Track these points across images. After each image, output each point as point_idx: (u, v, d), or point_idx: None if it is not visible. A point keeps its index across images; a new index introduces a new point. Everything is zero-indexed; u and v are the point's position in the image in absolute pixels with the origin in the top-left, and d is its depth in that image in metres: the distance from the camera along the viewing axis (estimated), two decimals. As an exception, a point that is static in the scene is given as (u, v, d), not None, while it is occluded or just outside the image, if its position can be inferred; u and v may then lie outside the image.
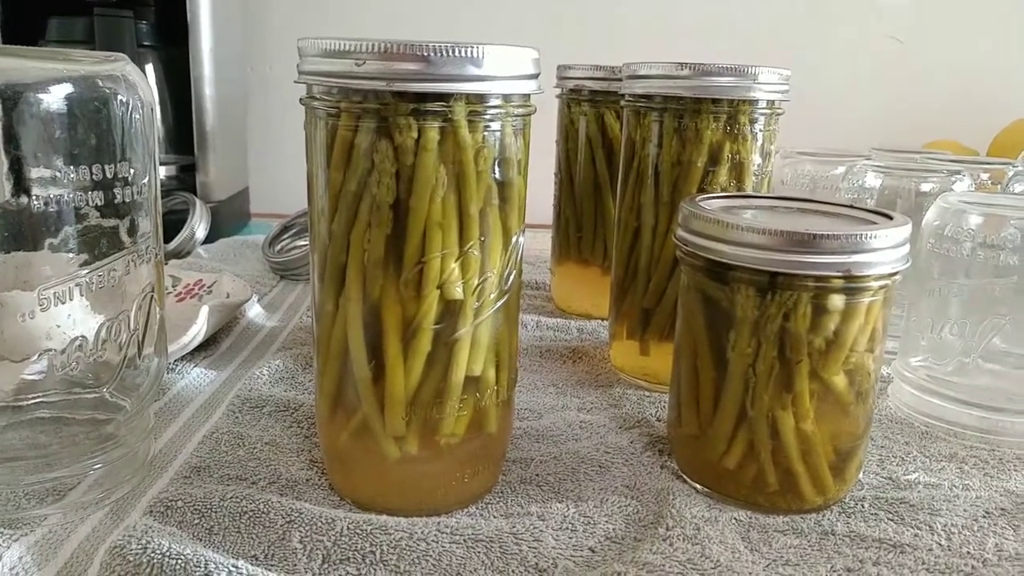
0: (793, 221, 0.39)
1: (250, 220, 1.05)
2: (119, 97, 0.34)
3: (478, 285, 0.33)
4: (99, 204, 0.33)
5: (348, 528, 0.33)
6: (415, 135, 0.31)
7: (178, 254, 0.76)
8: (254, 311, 0.62)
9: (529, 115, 0.34)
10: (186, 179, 0.89)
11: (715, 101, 0.46)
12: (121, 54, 0.35)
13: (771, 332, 0.35)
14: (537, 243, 0.83)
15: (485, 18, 1.12)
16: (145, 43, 0.86)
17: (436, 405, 0.34)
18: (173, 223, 0.79)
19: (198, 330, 0.49)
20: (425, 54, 0.30)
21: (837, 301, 0.34)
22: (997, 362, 0.47)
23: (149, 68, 0.87)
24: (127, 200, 0.34)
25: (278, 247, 0.77)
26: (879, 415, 0.49)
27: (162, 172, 0.87)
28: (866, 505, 0.38)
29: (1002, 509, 0.38)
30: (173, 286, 0.63)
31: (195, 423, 0.44)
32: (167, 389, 0.48)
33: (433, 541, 0.33)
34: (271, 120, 1.11)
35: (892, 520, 0.37)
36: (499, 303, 0.35)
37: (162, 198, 0.80)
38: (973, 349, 0.46)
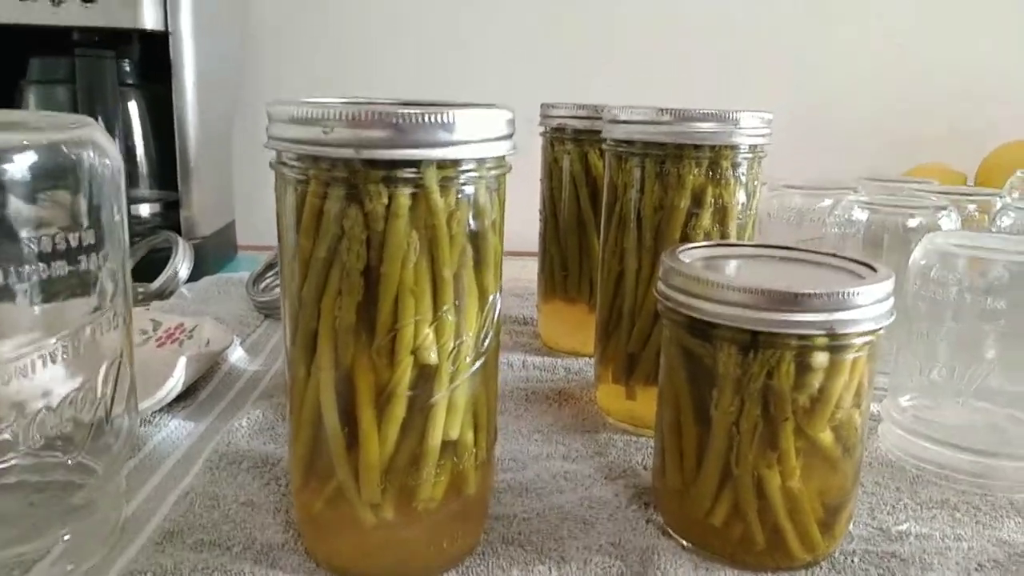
0: (775, 274, 0.38)
1: (237, 253, 1.04)
2: (86, 164, 0.33)
3: (453, 349, 0.33)
4: (64, 274, 0.32)
5: (323, 602, 0.32)
6: (385, 201, 0.30)
7: (161, 294, 0.75)
8: (236, 355, 0.61)
9: (504, 174, 0.34)
10: (170, 215, 0.88)
11: (697, 147, 0.46)
12: (88, 118, 0.35)
13: (754, 390, 0.34)
14: (527, 272, 0.79)
15: (485, 18, 1.12)
16: (128, 82, 0.86)
17: (412, 471, 0.33)
18: (157, 262, 0.78)
19: (174, 383, 0.48)
20: (395, 121, 0.29)
21: (821, 358, 0.34)
22: (988, 400, 0.46)
23: (132, 105, 0.87)
24: (93, 268, 0.33)
25: (262, 285, 0.77)
26: (869, 458, 0.48)
27: (145, 210, 0.87)
28: (856, 560, 0.37)
29: (995, 561, 0.37)
30: (153, 330, 0.62)
31: (170, 481, 0.43)
32: (143, 444, 0.47)
33: (410, 614, 0.32)
34: (259, 149, 1.11)
35: (882, 577, 0.36)
36: (476, 365, 0.34)
37: (145, 236, 0.80)
38: (962, 392, 0.46)
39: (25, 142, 0.31)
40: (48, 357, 0.32)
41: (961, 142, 1.12)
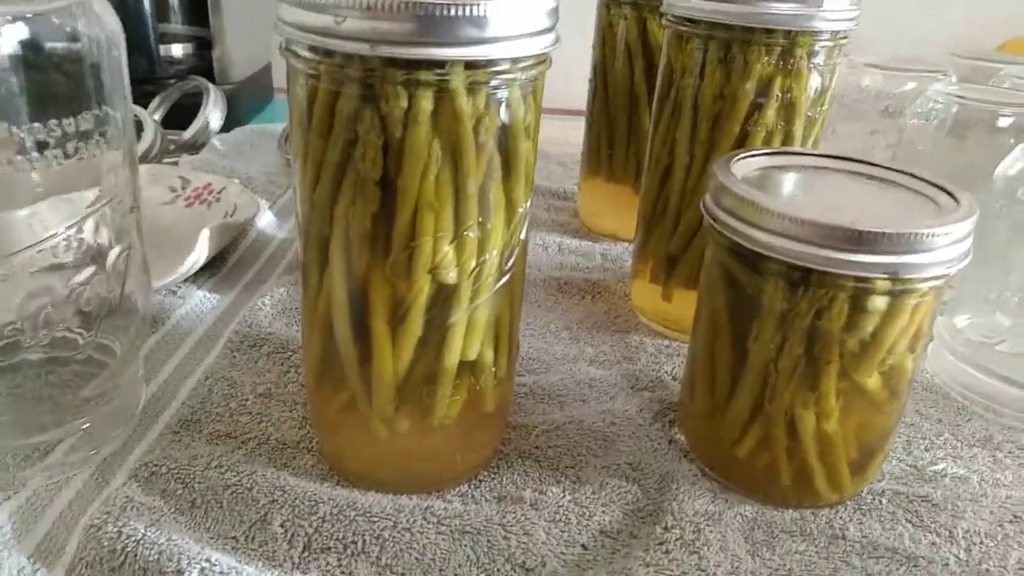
0: (839, 199, 0.34)
1: (274, 97, 1.01)
2: (82, 38, 0.30)
3: (475, 268, 0.30)
4: (61, 165, 0.30)
5: (331, 514, 0.32)
6: (404, 105, 0.27)
7: (192, 145, 0.73)
8: (264, 220, 0.60)
9: (542, 73, 0.29)
10: (204, 55, 0.84)
11: (769, 31, 0.40)
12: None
13: (799, 328, 0.31)
14: (574, 135, 0.69)
15: None
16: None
17: (427, 390, 0.32)
18: (190, 108, 0.76)
19: (196, 258, 0.47)
20: (418, 12, 0.25)
21: (879, 303, 0.30)
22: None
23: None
24: (97, 155, 0.31)
25: (295, 141, 0.74)
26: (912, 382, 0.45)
27: (176, 50, 0.82)
28: (884, 502, 0.36)
29: (1032, 513, 0.36)
30: (182, 188, 0.60)
31: (190, 363, 0.43)
32: (167, 318, 0.46)
33: (418, 532, 0.32)
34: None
35: (910, 523, 0.34)
36: (500, 283, 0.31)
37: (175, 82, 0.77)
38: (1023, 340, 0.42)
39: (9, 16, 0.28)
40: (52, 250, 0.31)
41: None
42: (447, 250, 0.29)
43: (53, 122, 0.29)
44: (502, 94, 0.28)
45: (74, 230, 0.32)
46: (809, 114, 0.43)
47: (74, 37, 0.30)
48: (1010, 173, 0.43)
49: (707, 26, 0.42)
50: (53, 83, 0.30)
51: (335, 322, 0.31)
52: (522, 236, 0.32)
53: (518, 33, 0.27)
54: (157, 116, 0.74)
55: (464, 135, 0.28)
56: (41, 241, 0.31)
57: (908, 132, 0.57)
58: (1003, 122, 0.52)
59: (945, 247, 0.30)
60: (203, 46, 0.84)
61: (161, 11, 0.83)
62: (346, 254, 0.30)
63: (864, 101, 0.64)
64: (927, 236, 0.29)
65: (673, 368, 0.45)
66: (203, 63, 0.83)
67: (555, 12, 0.29)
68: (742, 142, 0.43)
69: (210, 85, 0.75)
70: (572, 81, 0.67)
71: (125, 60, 0.33)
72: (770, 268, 0.31)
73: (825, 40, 0.41)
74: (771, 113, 0.42)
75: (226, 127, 0.77)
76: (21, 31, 0.28)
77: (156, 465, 0.34)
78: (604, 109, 0.61)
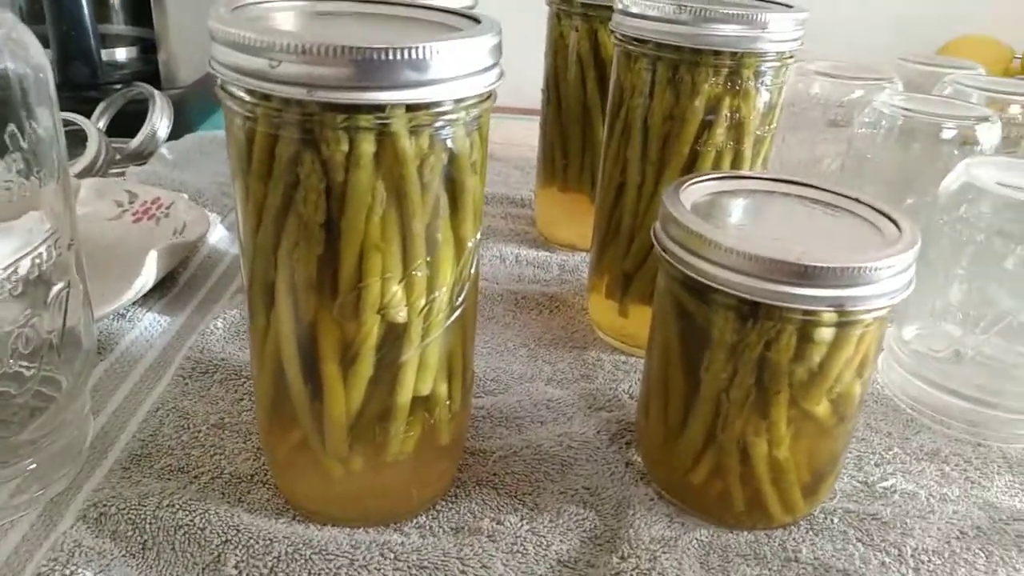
0: (786, 228, 0.35)
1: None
2: (8, 74, 0.29)
3: (425, 306, 0.30)
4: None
5: (286, 553, 0.32)
6: (345, 148, 0.26)
7: (139, 154, 0.71)
8: (216, 235, 0.59)
9: (487, 110, 0.29)
10: (146, 60, 0.81)
11: (716, 52, 0.40)
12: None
13: (749, 359, 0.32)
14: (530, 136, 0.68)
15: None
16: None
17: (381, 427, 0.31)
18: (133, 116, 0.74)
19: (144, 282, 0.46)
20: (355, 57, 0.25)
21: (825, 334, 0.31)
22: (996, 350, 0.44)
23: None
24: (28, 195, 0.30)
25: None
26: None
27: (119, 54, 0.80)
28: (836, 521, 0.36)
29: (978, 528, 0.36)
30: (129, 203, 0.59)
31: (141, 392, 0.42)
32: (115, 343, 0.45)
33: (375, 569, 0.31)
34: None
35: (861, 542, 0.35)
36: (450, 319, 0.31)
37: (120, 87, 0.75)
38: (968, 342, 0.43)
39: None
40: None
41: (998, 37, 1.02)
42: (396, 290, 0.29)
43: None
44: (446, 133, 0.28)
45: (10, 270, 0.31)
46: (758, 132, 0.44)
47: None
48: (952, 188, 0.44)
49: (655, 46, 0.42)
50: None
51: (285, 364, 0.30)
52: (471, 271, 0.32)
53: (460, 73, 0.26)
54: (101, 124, 0.72)
55: (408, 176, 0.27)
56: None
57: (856, 141, 0.58)
58: (946, 134, 0.53)
59: (889, 278, 0.30)
60: (147, 49, 0.82)
61: (101, 12, 0.81)
62: (292, 296, 0.29)
63: (813, 109, 0.64)
64: (871, 269, 0.30)
65: (630, 386, 0.45)
66: (148, 67, 0.81)
67: (498, 48, 0.28)
68: (692, 162, 0.43)
69: (156, 92, 0.73)
70: (529, 80, 0.67)
71: (55, 94, 0.32)
72: (719, 300, 0.31)
73: (772, 60, 0.42)
74: (720, 133, 0.43)
75: (175, 132, 0.75)
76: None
77: (105, 505, 0.33)
78: (557, 119, 0.60)
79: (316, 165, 0.26)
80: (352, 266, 0.28)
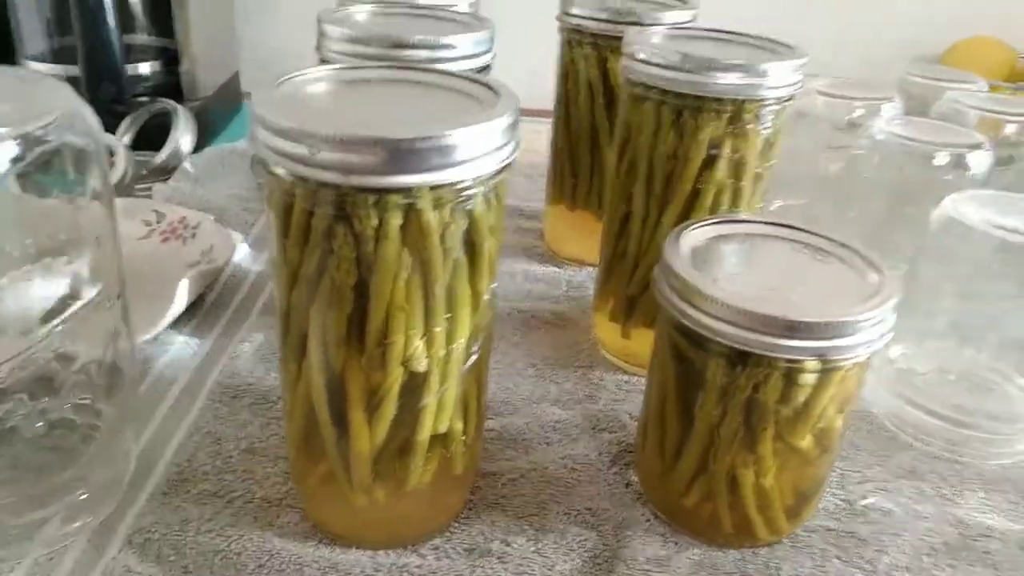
0: (778, 277, 0.37)
1: (243, 102, 1.01)
2: (69, 152, 0.32)
3: (445, 355, 0.33)
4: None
5: (316, 576, 0.35)
6: (375, 223, 0.29)
7: (164, 169, 0.74)
8: (240, 254, 0.61)
9: (504, 179, 0.32)
10: (169, 72, 0.84)
11: (718, 99, 0.43)
12: (64, 87, 0.32)
13: (739, 400, 0.35)
14: (540, 141, 0.67)
15: None
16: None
17: (401, 462, 0.34)
18: (156, 129, 0.76)
19: (176, 310, 0.49)
20: (387, 147, 0.27)
21: (809, 379, 0.34)
22: (978, 377, 0.47)
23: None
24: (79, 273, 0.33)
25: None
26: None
27: (144, 68, 0.82)
28: (816, 538, 0.39)
29: (947, 544, 0.40)
30: (157, 222, 0.62)
31: (176, 415, 0.45)
32: (150, 367, 0.48)
33: (396, 590, 0.35)
34: None
35: (838, 559, 0.38)
36: (468, 363, 0.34)
37: (145, 100, 0.77)
38: (951, 369, 0.46)
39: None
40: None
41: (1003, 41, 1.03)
42: (418, 344, 0.32)
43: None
44: (467, 204, 0.30)
45: (66, 323, 0.34)
46: (758, 170, 0.46)
47: (61, 154, 0.31)
48: (939, 223, 0.47)
49: (660, 92, 0.44)
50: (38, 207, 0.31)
51: (315, 407, 0.34)
52: (487, 321, 0.35)
53: (480, 153, 0.29)
54: (126, 140, 0.75)
55: (432, 246, 0.30)
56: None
57: (854, 162, 0.61)
58: (940, 160, 0.55)
59: (868, 329, 0.33)
60: (169, 60, 0.84)
61: (126, 25, 0.83)
62: (323, 349, 0.32)
63: (814, 126, 0.67)
64: (852, 323, 0.32)
65: (631, 408, 0.48)
66: (170, 78, 0.83)
67: (514, 126, 0.31)
68: (694, 197, 0.46)
69: (179, 107, 0.76)
70: (539, 80, 0.68)
71: (107, 163, 0.34)
72: (712, 347, 0.34)
73: (772, 105, 0.44)
74: (722, 170, 0.45)
75: (197, 143, 0.78)
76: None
77: (149, 531, 0.37)
78: (567, 139, 0.63)
79: (348, 237, 0.29)
80: (379, 324, 0.31)
